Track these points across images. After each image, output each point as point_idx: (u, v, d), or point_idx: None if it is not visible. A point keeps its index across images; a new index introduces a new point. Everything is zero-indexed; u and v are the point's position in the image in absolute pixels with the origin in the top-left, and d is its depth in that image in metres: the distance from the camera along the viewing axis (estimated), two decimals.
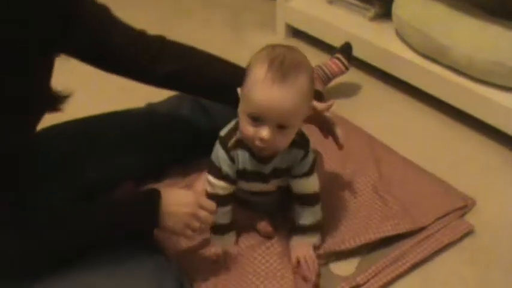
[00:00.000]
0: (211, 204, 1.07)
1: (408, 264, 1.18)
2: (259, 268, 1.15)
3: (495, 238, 1.27)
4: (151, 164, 1.34)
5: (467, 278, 1.19)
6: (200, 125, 1.36)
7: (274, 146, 1.03)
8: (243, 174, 1.12)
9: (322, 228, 1.21)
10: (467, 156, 1.53)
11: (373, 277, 1.14)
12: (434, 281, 1.18)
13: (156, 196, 1.02)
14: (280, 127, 1.00)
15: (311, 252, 1.16)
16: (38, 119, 1.01)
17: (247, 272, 1.15)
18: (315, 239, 1.19)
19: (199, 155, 1.37)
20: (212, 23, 2.24)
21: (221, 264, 1.16)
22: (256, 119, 0.99)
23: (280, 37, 2.11)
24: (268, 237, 1.22)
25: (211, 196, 1.13)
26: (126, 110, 1.36)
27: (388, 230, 1.22)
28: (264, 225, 1.22)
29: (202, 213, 1.05)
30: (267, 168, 1.12)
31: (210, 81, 1.20)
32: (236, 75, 1.10)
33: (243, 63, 1.28)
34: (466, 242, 1.26)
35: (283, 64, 0.97)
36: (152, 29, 1.20)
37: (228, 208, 1.16)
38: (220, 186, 1.12)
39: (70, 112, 1.06)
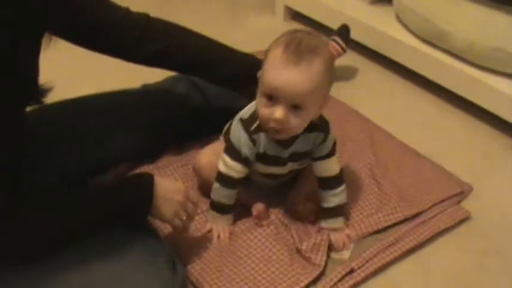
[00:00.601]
0: (196, 197, 1.10)
1: (403, 249, 1.17)
2: (255, 251, 1.15)
3: (491, 224, 1.27)
4: (147, 145, 1.32)
5: (463, 263, 1.19)
6: (196, 105, 1.35)
7: (289, 128, 1.04)
8: (262, 158, 1.13)
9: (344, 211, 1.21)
10: (465, 141, 1.53)
11: (368, 261, 1.14)
12: (430, 266, 1.18)
13: (150, 180, 1.01)
14: (294, 107, 1.01)
15: (344, 236, 1.18)
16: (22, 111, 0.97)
17: (243, 255, 1.14)
18: (339, 221, 1.19)
19: (195, 134, 1.37)
20: (210, 5, 2.21)
21: (215, 246, 1.16)
22: (271, 98, 1.01)
23: (279, 20, 2.09)
24: (260, 220, 1.21)
25: (222, 176, 1.14)
26: (122, 90, 1.34)
27: (386, 221, 1.21)
28: (259, 208, 1.21)
29: (190, 205, 1.07)
30: (286, 153, 1.12)
31: (196, 59, 1.21)
32: (223, 54, 1.09)
33: (241, 46, 1.28)
34: (463, 227, 1.26)
35: (299, 47, 1.00)
36: (149, 11, 1.19)
37: (235, 191, 1.16)
38: (236, 169, 1.13)
39: (58, 94, 1.01)
